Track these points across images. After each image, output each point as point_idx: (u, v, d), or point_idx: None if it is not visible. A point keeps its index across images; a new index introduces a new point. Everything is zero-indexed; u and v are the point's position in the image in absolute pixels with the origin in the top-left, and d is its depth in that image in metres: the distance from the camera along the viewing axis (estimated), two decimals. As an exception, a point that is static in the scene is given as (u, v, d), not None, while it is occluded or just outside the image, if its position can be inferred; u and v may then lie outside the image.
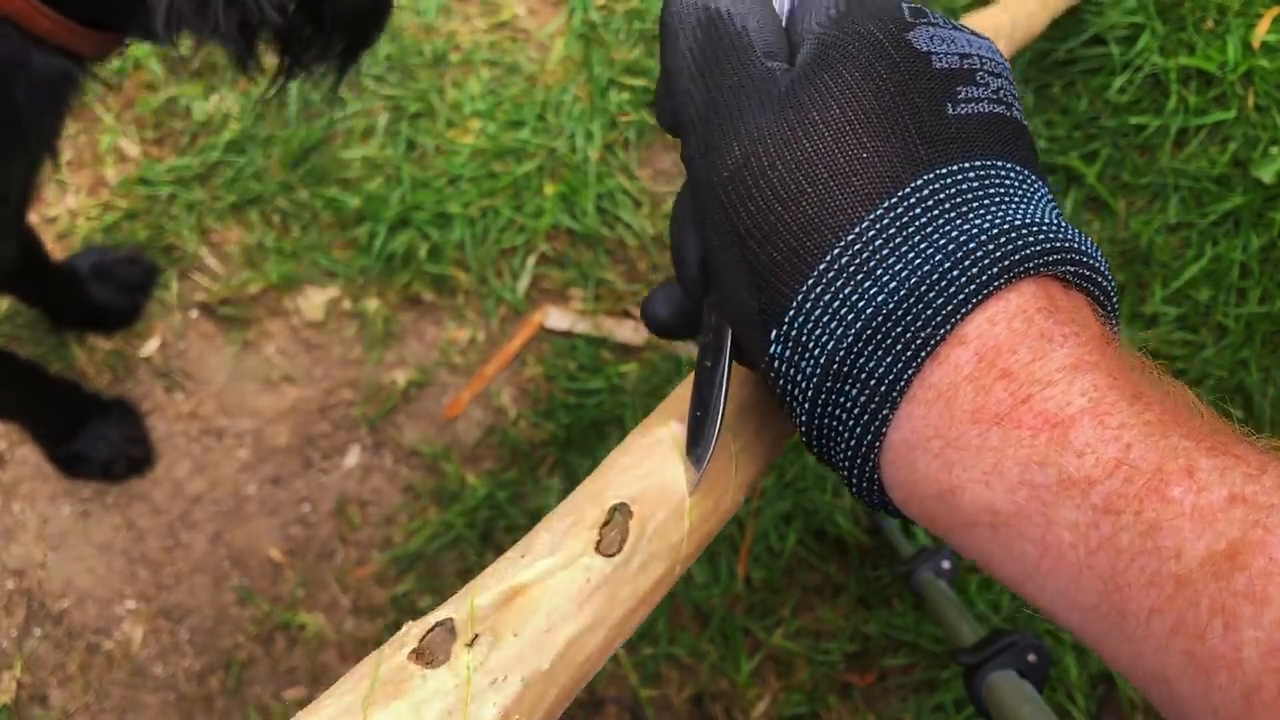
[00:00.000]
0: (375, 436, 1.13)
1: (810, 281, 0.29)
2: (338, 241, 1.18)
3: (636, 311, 1.17)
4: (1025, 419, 0.26)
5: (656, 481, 0.33)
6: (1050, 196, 0.31)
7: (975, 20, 0.83)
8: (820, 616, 1.07)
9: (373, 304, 1.16)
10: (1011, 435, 0.26)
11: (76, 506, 1.10)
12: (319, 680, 1.06)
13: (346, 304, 1.17)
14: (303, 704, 1.04)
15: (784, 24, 0.33)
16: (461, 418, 1.14)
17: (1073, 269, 0.29)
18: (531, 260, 1.17)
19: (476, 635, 0.28)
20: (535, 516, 1.09)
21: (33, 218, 1.12)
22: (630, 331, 1.16)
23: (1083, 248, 0.29)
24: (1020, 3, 0.93)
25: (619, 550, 0.31)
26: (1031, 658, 0.65)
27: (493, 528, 1.10)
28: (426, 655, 0.28)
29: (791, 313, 0.29)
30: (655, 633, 1.06)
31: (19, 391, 1.03)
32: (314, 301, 1.17)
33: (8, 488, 1.11)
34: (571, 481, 1.10)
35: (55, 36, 0.62)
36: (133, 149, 1.20)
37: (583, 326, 1.16)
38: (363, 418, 1.13)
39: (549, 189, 1.19)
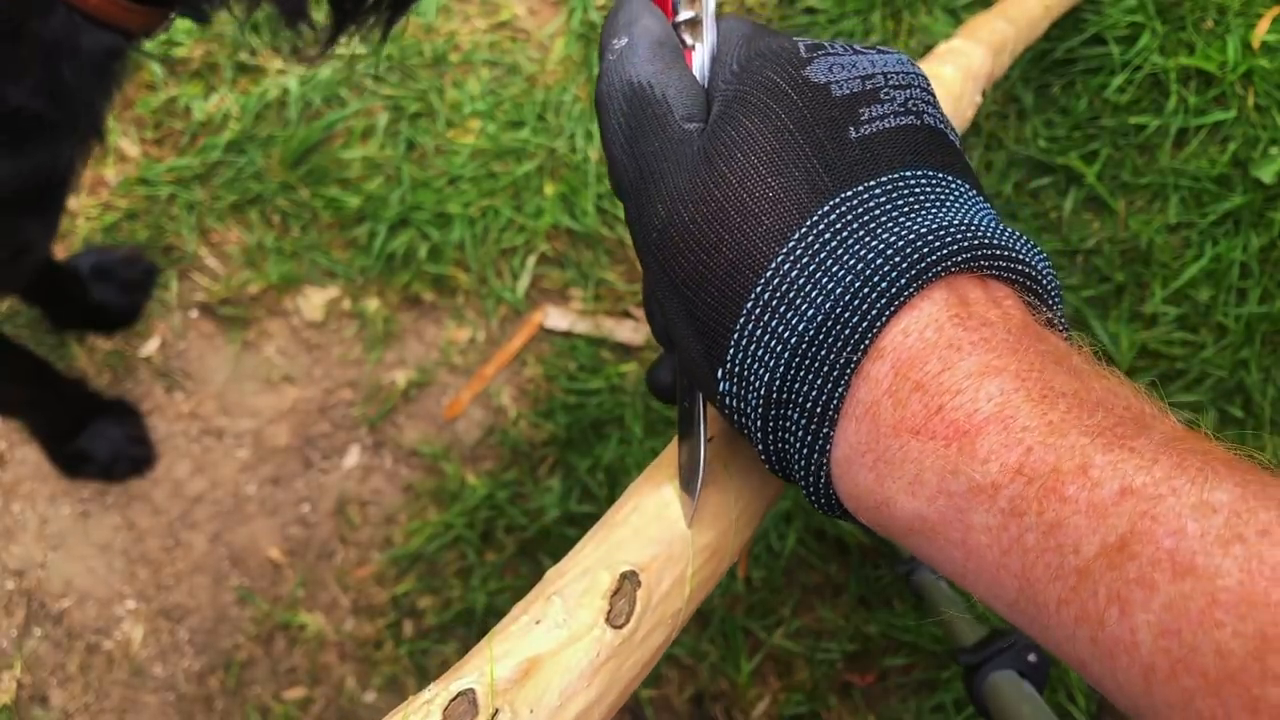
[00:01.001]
0: (375, 436, 1.13)
1: (741, 320, 0.30)
2: (338, 241, 1.18)
3: (636, 311, 1.17)
4: (938, 429, 0.27)
5: (665, 550, 0.35)
6: (973, 193, 0.32)
7: (979, 33, 0.82)
8: (820, 616, 1.07)
9: (373, 304, 1.16)
10: (928, 446, 0.28)
11: (76, 506, 1.10)
12: (319, 680, 1.06)
13: (346, 304, 1.17)
14: (303, 704, 1.04)
15: (705, 85, 0.35)
16: (461, 418, 1.14)
17: (986, 263, 0.30)
18: (531, 260, 1.17)
19: (496, 710, 0.29)
20: (535, 516, 1.09)
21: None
22: (630, 331, 1.16)
23: (996, 240, 0.30)
24: (1023, 11, 0.93)
25: (627, 621, 0.32)
26: (1031, 658, 0.66)
27: (493, 528, 1.10)
28: None
29: (731, 351, 0.31)
30: (655, 633, 1.06)
31: (29, 387, 1.03)
32: (314, 301, 1.17)
33: (8, 488, 1.11)
34: (572, 482, 1.10)
35: (103, 12, 0.61)
36: (133, 149, 1.20)
37: (583, 326, 1.16)
38: (363, 418, 1.13)
39: (549, 189, 1.19)
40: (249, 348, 1.16)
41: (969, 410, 0.27)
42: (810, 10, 1.24)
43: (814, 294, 0.29)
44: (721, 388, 0.32)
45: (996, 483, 0.26)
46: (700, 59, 0.35)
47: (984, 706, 0.65)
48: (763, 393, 0.30)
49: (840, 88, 0.31)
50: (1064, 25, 1.15)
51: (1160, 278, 1.12)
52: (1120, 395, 0.28)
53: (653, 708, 1.05)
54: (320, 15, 0.61)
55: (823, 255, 0.29)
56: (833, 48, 0.33)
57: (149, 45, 0.71)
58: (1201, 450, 0.25)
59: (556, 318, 1.16)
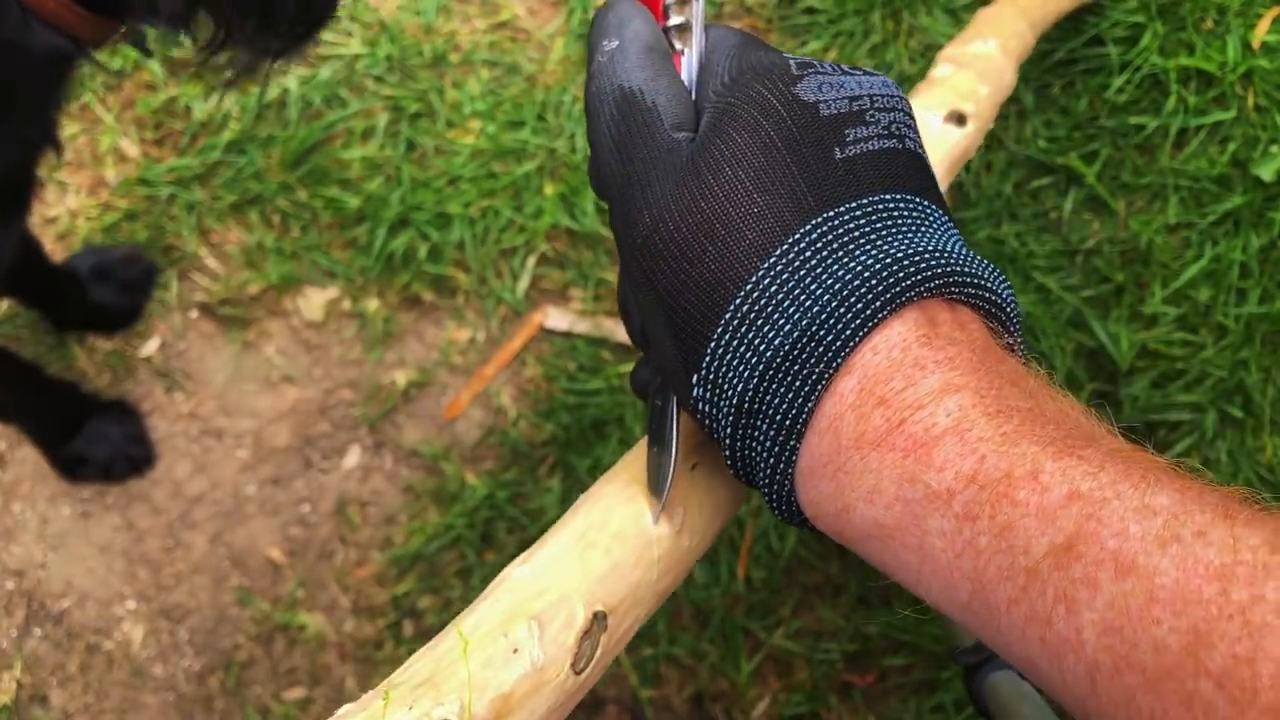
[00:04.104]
0: (375, 436, 1.13)
1: (719, 330, 0.31)
2: (338, 241, 1.18)
3: (636, 311, 1.16)
4: (898, 441, 0.29)
5: (632, 594, 0.35)
6: (945, 218, 0.33)
7: (1009, 42, 0.80)
8: (820, 616, 1.07)
9: (373, 304, 1.16)
10: (887, 458, 0.29)
11: (76, 506, 1.10)
12: (319, 681, 1.06)
13: (346, 304, 1.17)
14: (302, 704, 1.04)
15: (692, 94, 0.35)
16: (461, 418, 1.14)
17: (956, 290, 0.31)
18: (531, 260, 1.17)
19: None
20: (535, 516, 1.09)
21: (33, 218, 1.12)
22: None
23: (966, 268, 0.31)
24: (1042, 15, 0.92)
25: (586, 667, 0.33)
26: (1031, 658, 0.65)
27: (493, 528, 1.10)
28: None
29: (706, 359, 0.32)
30: (655, 633, 1.06)
31: (18, 392, 1.03)
32: (314, 301, 1.17)
33: (8, 488, 1.11)
34: (572, 482, 1.10)
35: (58, 18, 0.61)
36: (133, 149, 1.20)
37: (583, 326, 1.16)
38: (363, 418, 1.13)
39: (549, 189, 1.19)
40: (249, 348, 1.16)
41: (928, 424, 0.28)
42: (810, 10, 1.24)
43: (791, 310, 0.30)
44: (695, 393, 0.33)
45: (951, 489, 0.27)
46: (689, 65, 0.36)
47: (984, 706, 0.65)
48: (735, 402, 0.31)
49: (828, 107, 0.32)
50: (1065, 26, 1.15)
51: (1160, 278, 1.12)
52: (1071, 414, 0.29)
53: (653, 708, 1.05)
54: (203, 28, 0.61)
55: (802, 273, 0.30)
56: (822, 67, 0.34)
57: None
58: (1145, 460, 0.26)
59: (556, 318, 1.16)
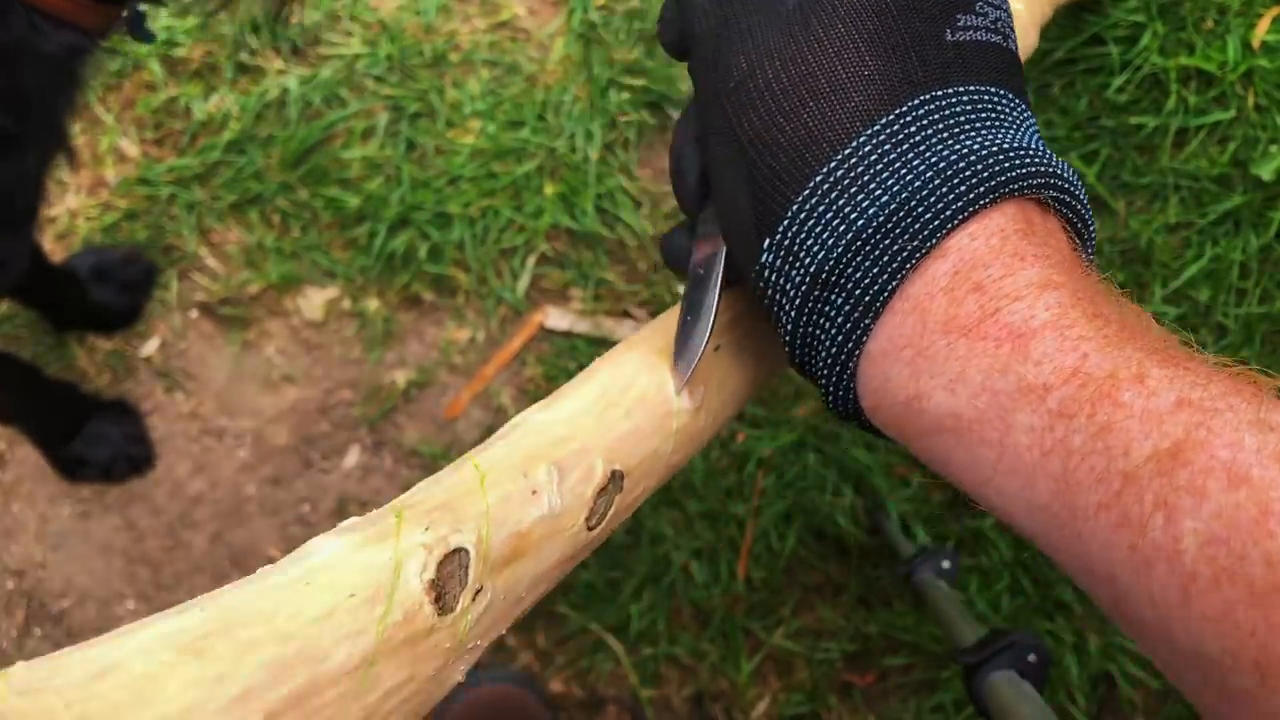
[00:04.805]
0: (375, 436, 1.13)
1: (806, 192, 0.30)
2: (338, 241, 1.18)
3: (636, 311, 1.17)
4: (991, 330, 0.28)
5: (649, 462, 0.34)
6: (1035, 124, 0.33)
7: (1033, 4, 0.81)
8: (820, 616, 1.07)
9: (373, 304, 1.16)
10: (977, 346, 0.28)
11: (76, 506, 1.10)
12: (319, 680, 1.06)
13: (346, 304, 1.17)
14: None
15: None
16: (461, 418, 1.14)
17: (1053, 194, 0.30)
18: (531, 260, 1.17)
19: (481, 588, 0.28)
20: (535, 516, 1.09)
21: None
22: (630, 331, 1.16)
23: (1063, 174, 0.31)
24: None
25: (598, 524, 0.32)
26: (1031, 658, 0.66)
27: (493, 528, 1.10)
28: (440, 595, 0.27)
29: (786, 222, 0.30)
30: (655, 633, 1.06)
31: (18, 394, 1.03)
32: (314, 301, 1.17)
33: (8, 488, 1.11)
34: (571, 481, 1.10)
35: (61, 10, 0.60)
36: (133, 149, 1.20)
37: (583, 326, 1.16)
38: (363, 418, 1.13)
39: (549, 189, 1.19)
40: (249, 348, 1.16)
41: (1026, 315, 0.27)
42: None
43: (890, 182, 0.29)
44: (764, 258, 0.31)
45: (1048, 384, 0.26)
46: None
47: (984, 706, 0.65)
48: (811, 270, 0.30)
49: None
50: (1065, 25, 1.15)
51: (1160, 278, 1.12)
52: (1164, 331, 0.28)
53: (653, 708, 1.05)
54: None
55: (905, 147, 0.29)
56: None
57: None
58: (1253, 377, 0.25)
59: (556, 318, 1.16)
